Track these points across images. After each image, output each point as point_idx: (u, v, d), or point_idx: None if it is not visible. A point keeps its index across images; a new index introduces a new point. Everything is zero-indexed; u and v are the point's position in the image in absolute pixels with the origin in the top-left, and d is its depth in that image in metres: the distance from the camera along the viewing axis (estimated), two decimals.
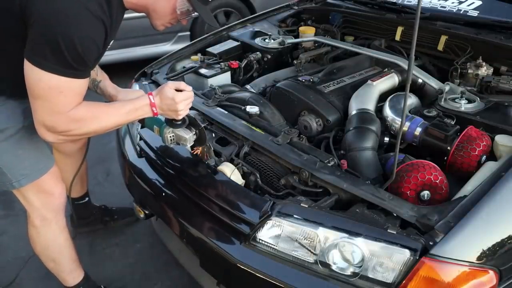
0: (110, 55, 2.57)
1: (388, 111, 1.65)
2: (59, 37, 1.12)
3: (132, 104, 1.34)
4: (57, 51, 1.13)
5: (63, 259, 1.75)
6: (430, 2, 2.15)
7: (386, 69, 1.93)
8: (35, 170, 1.49)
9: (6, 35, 1.24)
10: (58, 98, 1.19)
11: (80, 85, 1.22)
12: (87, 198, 2.21)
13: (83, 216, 2.20)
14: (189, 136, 1.45)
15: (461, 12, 2.03)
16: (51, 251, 1.71)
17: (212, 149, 1.57)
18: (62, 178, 1.66)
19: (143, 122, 1.57)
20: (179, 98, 1.35)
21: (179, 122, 1.44)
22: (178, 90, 1.37)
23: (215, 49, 2.24)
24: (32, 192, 1.54)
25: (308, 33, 2.32)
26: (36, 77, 1.16)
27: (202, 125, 1.48)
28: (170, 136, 1.47)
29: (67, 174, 1.85)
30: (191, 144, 1.49)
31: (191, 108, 1.76)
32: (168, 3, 1.34)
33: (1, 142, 1.39)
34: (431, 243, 1.09)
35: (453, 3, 2.08)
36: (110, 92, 1.63)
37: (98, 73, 1.64)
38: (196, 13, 1.39)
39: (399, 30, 2.15)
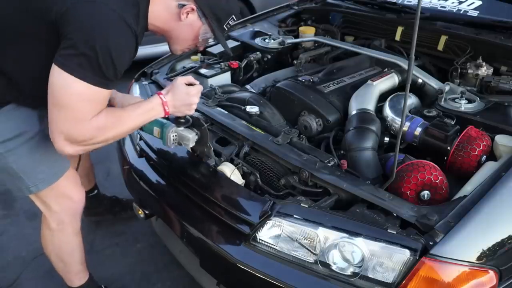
0: None
1: (388, 111, 1.65)
2: (98, 47, 1.13)
3: (145, 106, 1.36)
4: (93, 60, 1.14)
5: (73, 261, 1.76)
6: (430, 2, 2.15)
7: (386, 69, 1.93)
8: (51, 174, 1.48)
9: (30, 40, 1.23)
10: (83, 106, 1.19)
11: (105, 95, 1.24)
12: (96, 191, 2.24)
13: (93, 206, 2.21)
14: (191, 136, 1.46)
15: (461, 12, 2.03)
16: (63, 253, 1.72)
17: (212, 149, 1.57)
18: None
19: (142, 128, 1.56)
20: (193, 91, 1.40)
21: (183, 121, 1.46)
22: (188, 85, 1.42)
23: (215, 49, 2.24)
24: (51, 196, 1.54)
25: (308, 33, 2.32)
26: (65, 84, 1.16)
27: (205, 125, 1.48)
28: (173, 136, 1.47)
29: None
30: (193, 145, 1.49)
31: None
32: (192, 31, 1.38)
33: (18, 146, 1.38)
34: (431, 243, 1.09)
35: (453, 3, 2.08)
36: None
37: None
38: (213, 40, 1.44)
39: (399, 30, 2.15)
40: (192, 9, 1.32)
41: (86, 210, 2.14)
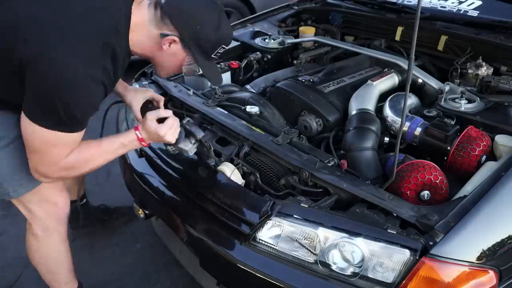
0: None
1: (388, 111, 1.65)
2: (57, 101, 1.13)
3: (120, 141, 1.35)
4: (54, 112, 1.15)
5: (61, 270, 1.72)
6: (430, 2, 2.15)
7: (386, 69, 1.93)
8: (30, 179, 1.40)
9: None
10: (51, 151, 1.21)
11: (74, 138, 1.23)
12: (85, 200, 2.19)
13: (84, 217, 2.15)
14: (189, 148, 1.47)
15: (461, 12, 2.03)
16: (50, 262, 1.68)
17: (212, 149, 1.57)
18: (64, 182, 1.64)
19: None
20: (163, 131, 1.35)
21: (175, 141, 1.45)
22: (160, 119, 1.37)
23: None
24: (34, 201, 1.51)
25: (308, 33, 2.33)
26: (31, 131, 1.18)
27: (199, 136, 1.48)
28: (172, 150, 1.53)
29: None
30: (195, 151, 1.51)
31: (191, 110, 1.77)
32: (176, 60, 1.33)
33: (7, 152, 1.35)
34: (431, 243, 1.09)
35: (453, 3, 2.08)
36: (120, 90, 1.61)
37: None
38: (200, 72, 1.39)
39: (399, 30, 2.15)
40: (174, 41, 1.26)
41: (75, 222, 2.11)
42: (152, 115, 1.37)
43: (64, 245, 1.67)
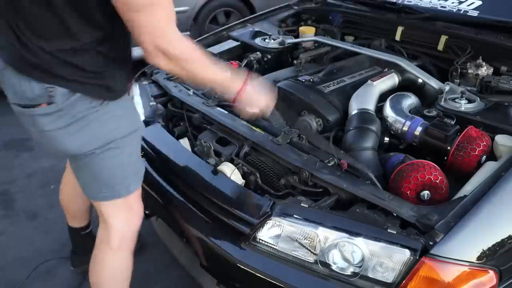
0: None
1: (388, 111, 1.65)
2: None
3: (230, 73, 1.31)
4: None
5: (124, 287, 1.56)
6: (430, 2, 2.15)
7: (386, 69, 1.93)
8: (140, 175, 1.41)
9: None
10: (160, 9, 1.10)
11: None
12: (90, 228, 1.97)
13: (86, 248, 1.77)
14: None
15: (461, 12, 2.03)
16: (119, 278, 1.53)
17: (212, 149, 1.57)
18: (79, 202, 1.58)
19: None
20: (262, 102, 1.38)
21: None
22: None
23: (215, 49, 2.24)
24: (122, 208, 1.42)
25: (308, 33, 2.32)
26: None
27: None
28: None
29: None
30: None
31: (191, 110, 1.77)
32: None
33: (131, 143, 1.31)
34: (431, 243, 1.09)
35: (453, 3, 2.08)
36: None
37: None
38: None
39: (399, 30, 2.14)
40: None
41: (76, 259, 1.96)
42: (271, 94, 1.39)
43: (131, 260, 1.54)
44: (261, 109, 1.40)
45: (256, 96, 1.37)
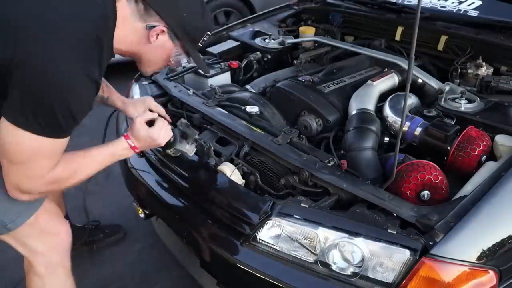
0: None
1: (388, 111, 1.65)
2: (56, 104, 1.04)
3: (109, 151, 1.29)
4: (50, 115, 1.05)
5: None
6: (430, 2, 2.15)
7: (386, 69, 1.93)
8: (29, 205, 1.31)
9: None
10: (38, 161, 1.10)
11: (62, 143, 1.13)
12: (67, 220, 1.98)
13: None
14: (186, 149, 1.47)
15: (461, 12, 2.03)
16: None
17: (212, 149, 1.57)
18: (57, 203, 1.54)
19: None
20: (156, 133, 1.34)
21: (171, 142, 1.44)
22: (150, 122, 1.35)
23: (215, 49, 2.24)
24: (34, 236, 1.38)
25: (308, 33, 2.33)
26: (17, 140, 1.06)
27: (195, 136, 1.48)
28: (172, 153, 1.51)
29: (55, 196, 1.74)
30: (195, 151, 1.50)
31: (191, 110, 1.77)
32: (163, 52, 1.28)
33: None
34: (431, 243, 1.09)
35: (453, 3, 2.08)
36: (119, 105, 1.59)
37: (104, 90, 1.54)
38: (186, 62, 1.35)
39: (399, 30, 2.15)
40: (162, 31, 1.21)
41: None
42: (140, 119, 1.33)
43: (70, 280, 1.50)
44: (160, 139, 1.36)
45: (147, 134, 1.32)
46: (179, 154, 1.52)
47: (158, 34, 1.22)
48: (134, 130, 1.32)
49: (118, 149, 1.32)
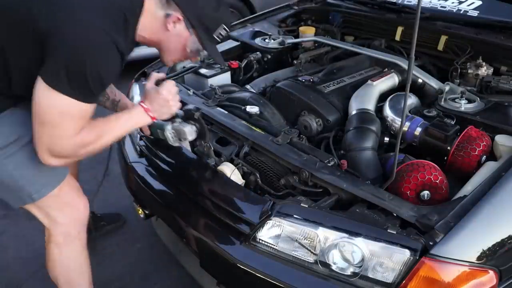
0: None
1: (388, 111, 1.65)
2: (87, 68, 1.14)
3: (126, 115, 1.38)
4: (82, 79, 1.15)
5: (83, 281, 1.63)
6: (430, 2, 2.15)
7: (386, 69, 1.93)
8: (53, 176, 1.41)
9: (19, 51, 1.21)
10: (68, 123, 1.20)
11: (90, 110, 1.24)
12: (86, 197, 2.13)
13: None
14: (187, 128, 1.48)
15: (461, 12, 2.03)
16: (72, 273, 1.60)
17: (212, 149, 1.57)
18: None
19: (151, 133, 1.60)
20: (164, 91, 1.40)
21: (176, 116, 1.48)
22: (158, 83, 1.43)
23: None
24: (56, 206, 1.47)
25: (308, 33, 2.33)
26: (50, 102, 1.16)
27: (198, 113, 1.50)
28: (171, 133, 1.50)
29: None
30: (193, 137, 1.50)
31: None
32: (180, 41, 1.35)
33: (17, 152, 1.33)
34: (431, 243, 1.09)
35: (453, 3, 2.08)
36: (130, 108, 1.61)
37: (116, 93, 1.65)
38: (205, 52, 1.42)
39: (399, 30, 2.15)
40: (179, 19, 1.29)
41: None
42: (149, 82, 1.42)
43: (84, 254, 1.61)
44: (171, 100, 1.42)
45: (155, 92, 1.40)
46: (177, 139, 1.51)
47: (175, 22, 1.30)
48: (146, 93, 1.42)
49: (134, 113, 1.39)
